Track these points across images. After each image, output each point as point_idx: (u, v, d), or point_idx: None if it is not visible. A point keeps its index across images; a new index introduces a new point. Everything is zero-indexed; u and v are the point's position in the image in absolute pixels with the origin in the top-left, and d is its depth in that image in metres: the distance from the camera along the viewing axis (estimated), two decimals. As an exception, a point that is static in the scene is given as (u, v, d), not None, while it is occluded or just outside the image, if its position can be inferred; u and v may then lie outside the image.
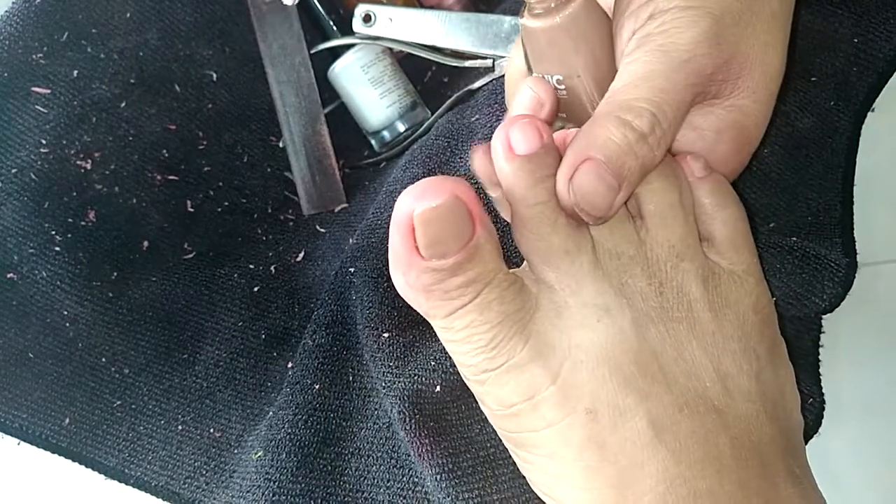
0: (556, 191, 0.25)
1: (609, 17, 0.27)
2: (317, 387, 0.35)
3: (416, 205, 0.23)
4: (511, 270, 0.26)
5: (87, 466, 0.38)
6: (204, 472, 0.37)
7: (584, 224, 0.25)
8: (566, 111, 0.28)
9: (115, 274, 0.40)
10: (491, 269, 0.24)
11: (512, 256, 0.32)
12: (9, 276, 0.39)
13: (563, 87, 0.27)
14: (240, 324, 0.41)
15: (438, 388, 0.32)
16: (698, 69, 0.25)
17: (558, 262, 0.25)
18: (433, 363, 0.32)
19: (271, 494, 0.33)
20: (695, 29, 0.24)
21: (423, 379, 0.32)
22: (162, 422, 0.38)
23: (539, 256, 0.25)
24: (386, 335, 0.34)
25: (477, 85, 0.44)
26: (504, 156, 0.25)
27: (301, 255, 0.44)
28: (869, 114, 0.34)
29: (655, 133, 0.24)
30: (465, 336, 0.25)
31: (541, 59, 0.27)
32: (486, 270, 0.24)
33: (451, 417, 0.32)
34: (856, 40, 0.33)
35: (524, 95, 0.27)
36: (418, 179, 0.38)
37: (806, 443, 0.32)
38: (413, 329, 0.34)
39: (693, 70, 0.25)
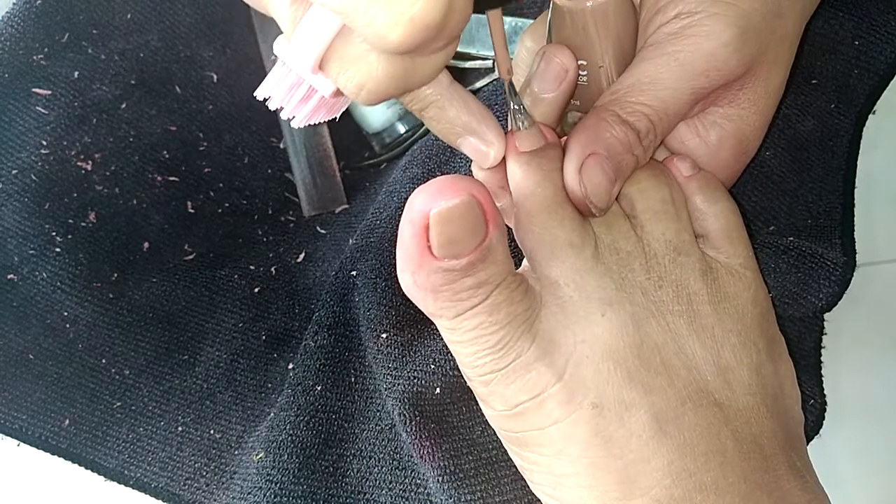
0: (562, 184, 0.26)
1: (636, 10, 0.27)
2: (318, 388, 0.35)
3: (432, 204, 0.23)
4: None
5: (86, 468, 0.38)
6: (204, 474, 0.37)
7: (586, 218, 0.26)
8: (581, 98, 0.28)
9: (116, 275, 0.40)
10: (502, 270, 0.25)
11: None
12: (9, 277, 0.39)
13: (584, 73, 0.27)
14: (240, 325, 0.41)
15: (438, 390, 0.32)
16: (707, 85, 0.25)
17: (564, 256, 0.25)
18: (433, 365, 0.32)
19: (273, 496, 0.33)
20: (716, 41, 0.25)
21: (423, 381, 0.32)
22: (162, 423, 0.38)
23: (545, 251, 0.25)
24: (384, 336, 0.34)
25: (478, 85, 0.44)
26: (514, 153, 0.26)
27: (301, 256, 0.44)
28: (870, 116, 0.34)
29: (649, 137, 0.26)
30: (472, 337, 0.25)
31: (566, 43, 0.27)
32: (497, 272, 0.24)
33: (453, 419, 0.32)
34: (857, 43, 0.33)
35: (549, 64, 0.27)
36: (418, 180, 0.38)
37: (807, 443, 0.32)
38: (411, 328, 0.34)
39: (700, 85, 0.25)
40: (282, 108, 0.24)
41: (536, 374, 0.25)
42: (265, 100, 0.24)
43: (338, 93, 0.22)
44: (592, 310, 0.25)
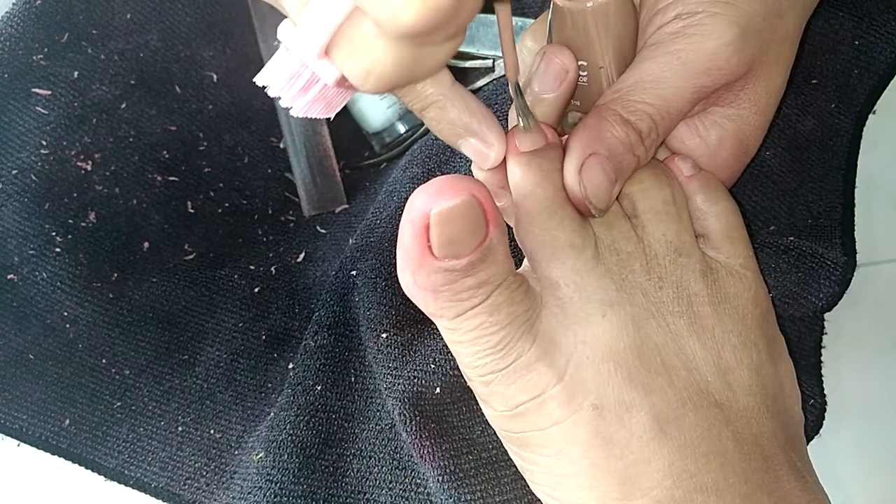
0: (562, 185, 0.25)
1: (637, 11, 0.27)
2: (318, 388, 0.35)
3: (433, 204, 0.23)
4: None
5: (86, 468, 0.38)
6: (204, 474, 0.37)
7: (587, 219, 0.26)
8: (581, 99, 0.28)
9: (116, 275, 0.40)
10: (502, 270, 0.25)
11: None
12: (9, 277, 0.39)
13: (584, 73, 0.27)
14: (240, 325, 0.41)
15: (438, 390, 0.32)
16: (709, 84, 0.25)
17: (564, 257, 0.25)
18: (433, 365, 0.32)
19: (273, 496, 0.33)
20: (717, 40, 0.25)
21: (423, 381, 0.32)
22: (162, 423, 0.38)
23: (545, 251, 0.25)
24: (384, 335, 0.34)
25: (477, 85, 0.44)
26: (514, 153, 0.26)
27: (301, 255, 0.44)
28: (870, 116, 0.34)
29: (651, 136, 0.26)
30: (473, 337, 0.25)
31: (566, 43, 0.27)
32: (497, 272, 0.24)
33: (453, 419, 0.32)
34: (857, 42, 0.33)
35: (550, 64, 0.27)
36: (418, 179, 0.38)
37: (807, 443, 0.32)
38: (411, 328, 0.34)
39: (702, 84, 0.25)
40: (280, 98, 0.24)
41: (537, 374, 0.25)
42: (264, 87, 0.24)
43: (341, 81, 0.22)
44: (593, 311, 0.25)
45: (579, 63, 0.27)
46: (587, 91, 0.28)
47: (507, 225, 0.28)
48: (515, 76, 0.25)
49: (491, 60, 0.43)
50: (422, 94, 0.24)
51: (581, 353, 0.25)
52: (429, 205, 0.23)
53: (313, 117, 0.25)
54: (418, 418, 0.31)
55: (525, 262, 0.27)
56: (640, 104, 0.25)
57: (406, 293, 0.25)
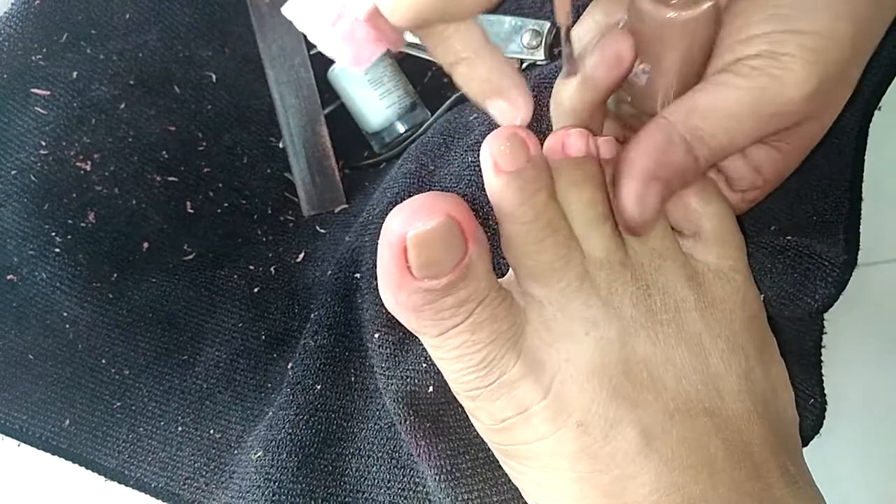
0: (544, 206, 0.25)
1: (718, 24, 0.26)
2: (318, 387, 0.35)
3: (409, 226, 0.22)
4: (499, 280, 0.26)
5: (86, 468, 0.38)
6: (204, 473, 0.37)
7: (572, 236, 0.25)
8: (632, 94, 0.28)
9: (115, 275, 0.40)
10: (483, 287, 0.24)
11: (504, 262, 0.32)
12: (8, 277, 0.39)
13: (645, 73, 0.27)
14: (240, 325, 0.41)
15: (431, 389, 0.32)
16: (775, 128, 0.25)
17: (546, 280, 0.25)
18: (425, 364, 0.32)
19: (271, 494, 0.33)
20: (804, 88, 0.24)
21: (416, 380, 0.32)
22: (162, 423, 0.38)
23: (527, 273, 0.25)
24: (377, 335, 0.34)
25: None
26: (492, 170, 0.24)
27: (301, 255, 0.44)
28: (875, 112, 0.34)
29: (703, 167, 0.25)
30: (456, 355, 0.25)
31: (636, 37, 0.26)
32: (478, 289, 0.24)
33: (448, 419, 0.32)
34: (858, 39, 0.33)
35: (608, 48, 0.26)
36: (412, 175, 0.38)
37: (807, 443, 0.32)
38: (403, 327, 0.34)
39: (770, 128, 0.25)
40: (306, 32, 0.23)
41: (522, 390, 0.24)
42: (291, 19, 0.23)
43: (373, 15, 0.21)
44: (576, 329, 0.25)
45: (641, 66, 0.26)
46: (641, 91, 0.27)
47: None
48: (567, 23, 0.25)
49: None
50: (453, 48, 0.23)
51: (565, 371, 0.24)
52: (405, 227, 0.22)
53: (343, 65, 0.24)
54: (413, 418, 0.31)
55: (510, 271, 0.27)
56: (714, 135, 0.24)
57: (389, 310, 0.25)
